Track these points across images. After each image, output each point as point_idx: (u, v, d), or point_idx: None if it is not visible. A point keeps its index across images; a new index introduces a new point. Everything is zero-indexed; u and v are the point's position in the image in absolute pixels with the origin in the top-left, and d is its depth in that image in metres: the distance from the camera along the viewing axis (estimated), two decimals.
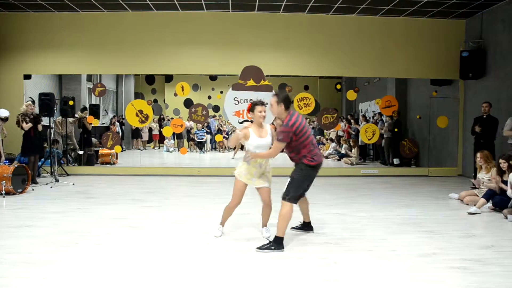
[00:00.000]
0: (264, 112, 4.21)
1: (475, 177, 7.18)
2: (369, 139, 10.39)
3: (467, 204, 6.30)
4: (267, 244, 4.11)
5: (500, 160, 5.98)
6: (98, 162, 11.02)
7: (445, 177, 9.64)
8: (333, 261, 3.75)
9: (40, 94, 8.81)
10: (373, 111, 13.58)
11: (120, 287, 3.14)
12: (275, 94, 4.12)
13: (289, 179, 4.19)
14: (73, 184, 8.11)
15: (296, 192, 4.12)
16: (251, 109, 4.29)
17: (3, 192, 6.64)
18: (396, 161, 10.84)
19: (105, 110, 14.44)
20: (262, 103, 4.25)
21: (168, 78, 16.63)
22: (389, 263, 3.70)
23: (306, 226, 4.78)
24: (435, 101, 10.37)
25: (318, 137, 15.30)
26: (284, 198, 4.12)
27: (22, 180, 7.08)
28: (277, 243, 4.07)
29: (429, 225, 5.11)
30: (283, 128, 4.00)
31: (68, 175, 9.22)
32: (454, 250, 4.13)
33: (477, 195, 6.32)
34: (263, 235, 4.48)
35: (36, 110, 8.39)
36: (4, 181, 6.65)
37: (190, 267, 3.58)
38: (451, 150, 10.35)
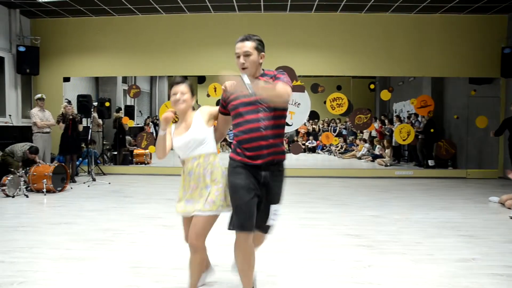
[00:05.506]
0: (184, 94, 2.72)
1: None
2: (403, 140, 10.12)
3: (509, 208, 6.01)
4: None
5: None
6: (133, 162, 11.29)
7: (485, 180, 9.26)
8: (367, 264, 3.67)
9: (78, 96, 9.12)
10: (407, 111, 13.23)
11: (153, 285, 3.19)
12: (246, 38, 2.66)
13: (278, 206, 2.71)
14: (109, 183, 8.34)
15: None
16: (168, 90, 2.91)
17: (44, 190, 6.93)
18: (431, 162, 10.51)
19: (140, 111, 14.78)
20: (180, 81, 2.75)
21: (201, 79, 16.80)
22: (425, 268, 3.58)
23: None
24: (474, 100, 9.99)
25: (351, 137, 15.08)
26: (269, 233, 2.79)
27: (62, 178, 7.35)
28: None
29: (468, 229, 4.91)
30: (280, 74, 2.61)
31: (104, 174, 9.49)
32: (496, 255, 3.94)
33: None
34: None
35: (75, 110, 8.72)
36: (45, 180, 6.94)
37: (221, 266, 3.59)
38: (491, 151, 9.93)
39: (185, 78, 2.81)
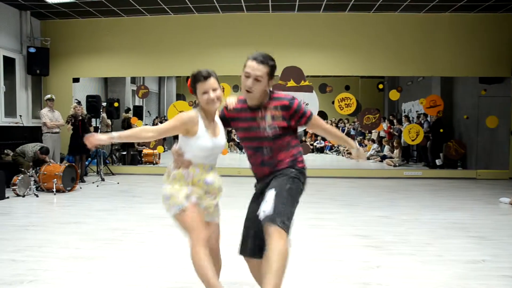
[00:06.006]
0: (216, 90, 2.36)
1: None
2: (412, 140, 10.05)
3: None
4: None
5: None
6: (141, 162, 11.35)
7: (495, 180, 9.16)
8: (375, 264, 3.65)
9: (87, 96, 9.20)
10: (416, 111, 13.13)
11: (162, 285, 3.20)
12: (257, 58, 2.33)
13: (272, 191, 2.27)
14: (118, 183, 8.40)
15: (292, 212, 2.31)
16: (191, 86, 2.43)
17: (54, 189, 6.99)
18: (438, 162, 10.42)
19: (148, 111, 14.85)
20: (208, 75, 2.36)
21: None
22: (434, 269, 3.55)
23: None
24: (484, 100, 9.88)
25: (359, 138, 15.00)
26: (276, 222, 2.15)
27: (71, 178, 7.42)
28: None
29: (478, 230, 4.85)
30: (296, 101, 2.42)
31: (113, 174, 9.56)
32: (506, 257, 3.89)
33: None
34: None
35: (85, 111, 8.80)
36: (55, 179, 7.01)
37: (230, 266, 3.59)
38: (501, 151, 9.82)
39: (211, 72, 2.40)
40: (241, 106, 2.48)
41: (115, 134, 2.35)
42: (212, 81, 2.35)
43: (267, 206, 2.22)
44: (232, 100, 2.51)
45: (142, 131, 2.36)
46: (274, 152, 2.39)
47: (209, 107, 2.37)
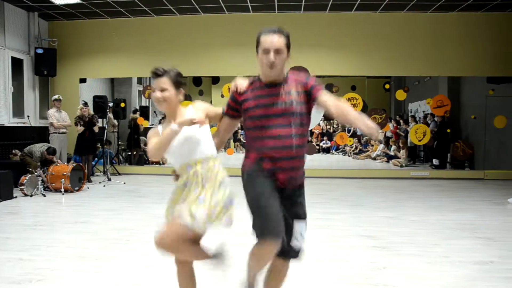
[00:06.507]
0: (164, 91, 2.22)
1: None
2: (419, 140, 10.00)
3: None
4: None
5: None
6: (147, 162, 11.40)
7: (504, 181, 9.07)
8: (382, 265, 3.63)
9: (94, 97, 9.25)
10: (423, 111, 13.07)
11: (168, 285, 3.21)
12: None
13: (303, 225, 2.37)
14: (124, 183, 8.44)
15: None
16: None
17: (62, 189, 7.04)
18: (435, 161, 10.37)
19: (154, 112, 14.89)
20: (160, 73, 2.22)
21: (215, 80, 16.84)
22: (441, 270, 3.53)
23: None
24: (492, 100, 9.80)
25: (365, 138, 14.94)
26: (299, 258, 2.43)
27: (79, 178, 7.47)
28: None
29: (485, 231, 4.81)
30: (312, 78, 2.30)
31: (119, 174, 9.61)
32: None
33: None
34: None
35: (92, 111, 8.85)
36: (63, 179, 7.06)
37: (236, 266, 3.59)
38: (509, 152, 9.73)
39: (166, 70, 2.23)
40: (254, 85, 2.28)
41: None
42: (163, 80, 2.20)
43: (298, 243, 2.32)
44: (241, 82, 2.31)
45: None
46: (300, 146, 2.20)
47: (157, 106, 2.27)
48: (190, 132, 2.18)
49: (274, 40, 2.14)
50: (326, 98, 2.16)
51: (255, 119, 2.22)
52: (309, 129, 2.39)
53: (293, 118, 2.18)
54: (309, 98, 2.22)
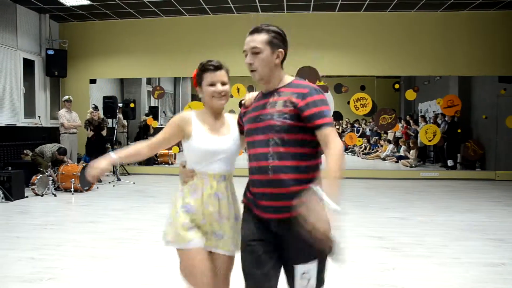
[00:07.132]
0: (224, 85, 2.04)
1: None
2: (429, 141, 9.90)
3: None
4: None
5: None
6: (157, 162, 11.46)
7: None
8: (391, 266, 3.61)
9: (104, 97, 9.34)
10: (433, 111, 12.94)
11: (176, 284, 3.23)
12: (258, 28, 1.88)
13: (312, 264, 1.88)
14: (134, 183, 8.50)
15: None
16: (197, 77, 2.13)
17: (72, 189, 7.11)
18: (450, 162, 10.26)
19: (164, 112, 14.97)
20: (218, 66, 2.07)
21: None
22: (451, 271, 3.49)
23: None
24: (504, 99, 9.68)
25: (374, 138, 14.85)
26: None
27: None
28: None
29: (496, 233, 4.76)
30: (320, 96, 1.79)
31: (129, 174, 9.67)
32: None
33: None
34: None
35: (101, 114, 8.93)
36: (73, 179, 7.13)
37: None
38: None
39: (222, 63, 2.09)
40: (257, 96, 1.99)
41: (114, 156, 2.02)
42: (222, 73, 2.03)
43: (305, 285, 1.89)
44: (249, 95, 2.04)
45: (140, 149, 2.05)
46: (280, 153, 1.77)
47: (213, 102, 2.00)
48: (235, 139, 2.03)
49: (249, 40, 1.87)
50: (327, 135, 1.74)
51: (246, 135, 1.95)
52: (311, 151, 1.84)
53: (273, 134, 1.79)
54: (299, 114, 1.76)
